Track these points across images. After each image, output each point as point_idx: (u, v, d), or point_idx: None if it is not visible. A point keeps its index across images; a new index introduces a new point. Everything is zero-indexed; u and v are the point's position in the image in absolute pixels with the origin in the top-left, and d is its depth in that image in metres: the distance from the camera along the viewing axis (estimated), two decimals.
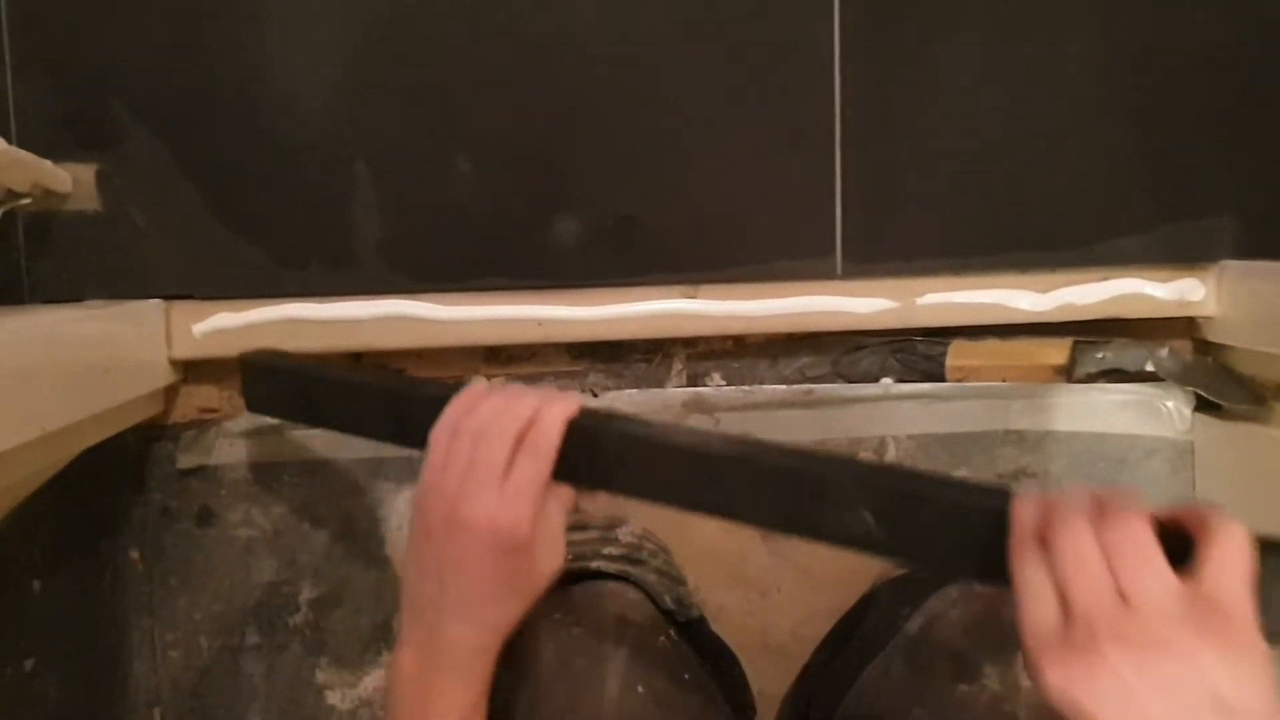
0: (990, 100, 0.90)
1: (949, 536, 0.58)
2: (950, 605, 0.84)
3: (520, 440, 0.60)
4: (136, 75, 0.86)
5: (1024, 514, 0.51)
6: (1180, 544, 0.48)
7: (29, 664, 0.79)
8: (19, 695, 0.78)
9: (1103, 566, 0.47)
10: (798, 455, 0.63)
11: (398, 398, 0.74)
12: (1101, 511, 0.49)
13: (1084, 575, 0.47)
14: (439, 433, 0.62)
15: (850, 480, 0.60)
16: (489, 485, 0.59)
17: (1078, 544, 0.48)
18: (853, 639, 0.91)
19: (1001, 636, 0.81)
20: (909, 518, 0.59)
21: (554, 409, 0.62)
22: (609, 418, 0.65)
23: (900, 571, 0.93)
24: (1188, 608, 0.46)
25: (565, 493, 0.65)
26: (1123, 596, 0.46)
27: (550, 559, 0.63)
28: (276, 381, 0.84)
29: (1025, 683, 0.78)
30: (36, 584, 0.80)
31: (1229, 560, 0.47)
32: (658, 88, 0.89)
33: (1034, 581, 0.49)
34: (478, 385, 0.66)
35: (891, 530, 0.59)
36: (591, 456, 0.63)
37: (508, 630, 0.62)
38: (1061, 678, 0.46)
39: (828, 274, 0.90)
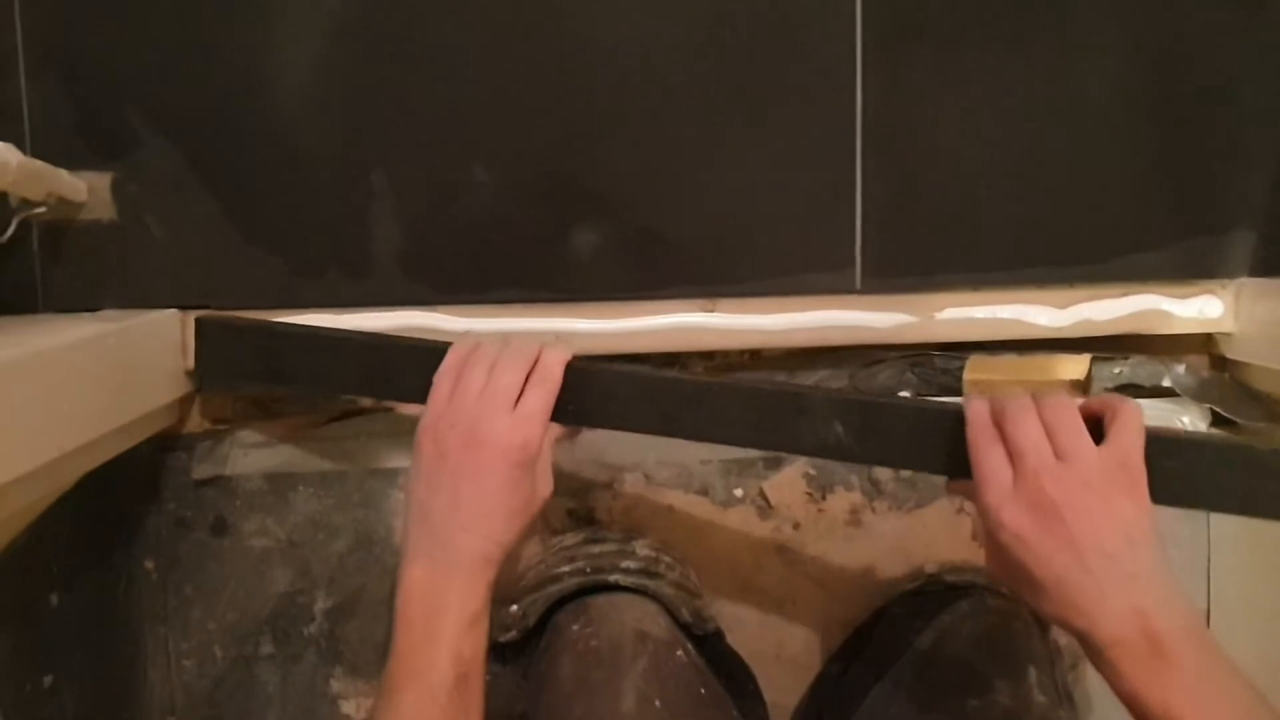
0: (1011, 115, 0.89)
1: (912, 438, 0.71)
2: (962, 620, 0.84)
3: (527, 375, 0.70)
4: (152, 83, 0.85)
5: (977, 408, 0.67)
6: (1096, 425, 0.64)
7: (48, 680, 0.79)
8: (39, 711, 0.78)
9: (1044, 436, 0.63)
10: (771, 381, 0.74)
11: (379, 350, 0.79)
12: (1039, 401, 0.65)
13: (1030, 443, 0.62)
14: (447, 368, 0.71)
15: (822, 397, 0.72)
16: (505, 409, 0.68)
17: (1024, 421, 0.63)
18: (865, 652, 0.92)
19: (1013, 651, 0.82)
20: (876, 425, 0.71)
21: (555, 351, 0.72)
22: (598, 362, 0.75)
23: (913, 585, 0.93)
24: (1105, 465, 0.62)
25: (555, 429, 0.73)
26: (1059, 457, 0.62)
27: (545, 484, 0.72)
28: (238, 342, 0.84)
29: (1037, 698, 0.78)
30: (54, 598, 0.80)
31: (1130, 431, 0.63)
32: (678, 100, 0.88)
33: (991, 453, 0.64)
34: (472, 336, 0.74)
35: (861, 438, 0.71)
36: (585, 395, 0.73)
37: (509, 547, 0.69)
38: (1015, 519, 0.61)
39: (847, 288, 0.90)
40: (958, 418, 0.67)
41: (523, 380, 0.70)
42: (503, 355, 0.71)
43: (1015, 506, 0.62)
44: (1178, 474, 0.66)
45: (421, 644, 0.64)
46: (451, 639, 0.64)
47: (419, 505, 0.69)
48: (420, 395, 0.73)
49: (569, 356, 0.73)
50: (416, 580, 0.66)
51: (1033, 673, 0.80)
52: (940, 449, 0.69)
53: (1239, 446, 0.72)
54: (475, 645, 0.66)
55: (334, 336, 0.82)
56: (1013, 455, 0.63)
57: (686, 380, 0.76)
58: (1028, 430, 0.63)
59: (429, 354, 0.74)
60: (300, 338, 0.82)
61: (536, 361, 0.71)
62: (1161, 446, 0.65)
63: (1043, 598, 0.61)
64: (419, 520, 0.68)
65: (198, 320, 0.84)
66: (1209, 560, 0.97)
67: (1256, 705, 0.57)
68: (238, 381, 0.90)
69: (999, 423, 0.65)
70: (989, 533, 0.64)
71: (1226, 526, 0.95)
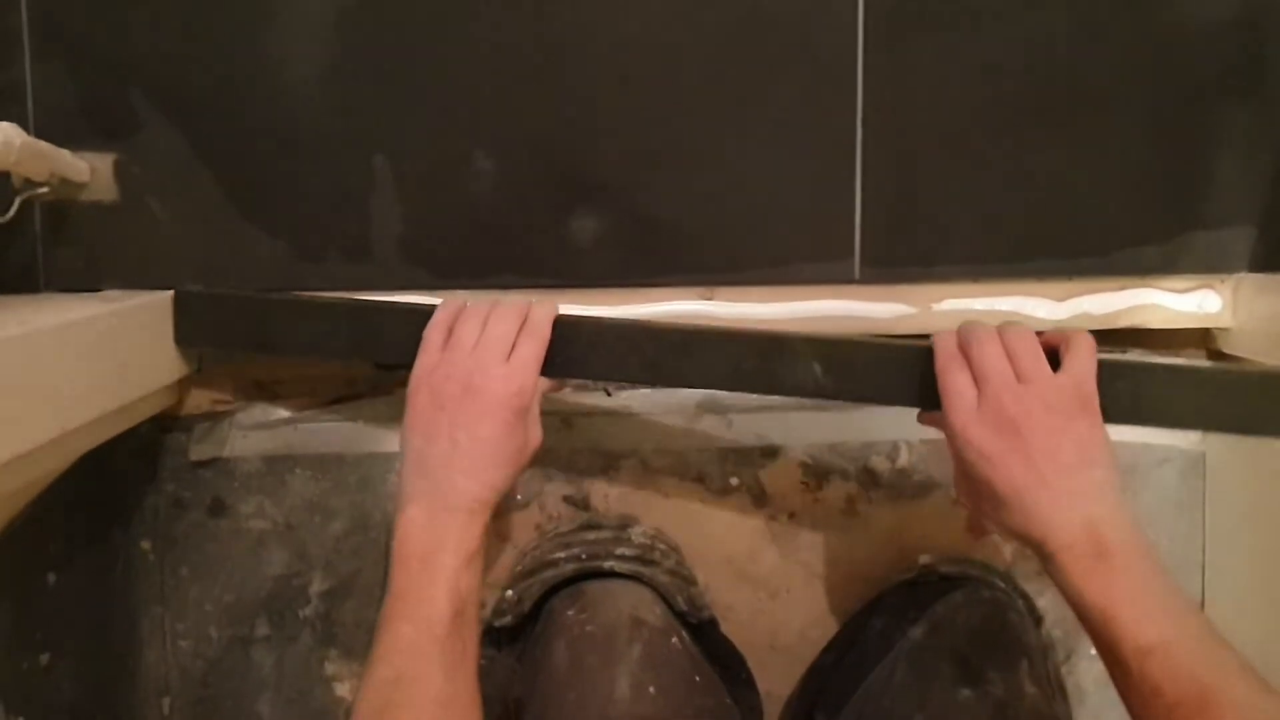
0: (1012, 107, 0.89)
1: (886, 374, 0.76)
2: (955, 611, 0.84)
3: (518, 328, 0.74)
4: (156, 65, 0.86)
5: (944, 339, 0.71)
6: (1053, 355, 0.69)
7: (45, 658, 0.79)
8: (36, 689, 0.78)
9: (1006, 361, 0.67)
10: (749, 328, 0.78)
11: (367, 312, 0.81)
12: (1001, 330, 0.70)
13: (993, 366, 0.67)
14: (438, 322, 0.75)
15: (800, 339, 0.76)
16: (500, 359, 0.72)
17: (988, 346, 0.68)
18: (858, 642, 0.92)
19: (1006, 642, 0.82)
20: (852, 363, 0.76)
21: (543, 306, 0.76)
22: (582, 317, 0.78)
23: (908, 576, 0.94)
24: (1063, 388, 0.66)
25: (544, 381, 0.76)
26: (1020, 379, 0.66)
27: (536, 433, 0.75)
28: (217, 307, 0.85)
29: (1029, 688, 0.78)
30: (51, 577, 0.81)
31: (1084, 358, 0.68)
32: (678, 88, 0.88)
33: (957, 378, 0.68)
34: (459, 296, 0.78)
35: (838, 376, 0.76)
36: (573, 347, 0.76)
37: (503, 492, 0.72)
38: (979, 436, 0.66)
39: (846, 278, 0.90)
40: (928, 353, 0.72)
41: (515, 332, 0.73)
42: (495, 310, 0.75)
43: (980, 424, 0.66)
44: (1127, 394, 0.72)
45: (420, 579, 0.66)
46: (450, 575, 0.66)
47: (415, 453, 0.71)
48: (409, 354, 0.76)
49: (556, 311, 0.77)
50: (415, 520, 0.68)
51: (1025, 664, 0.80)
52: (912, 382, 0.74)
53: (1183, 368, 0.77)
54: (471, 583, 0.68)
55: (321, 300, 0.83)
56: (977, 378, 0.68)
57: (670, 329, 0.79)
58: (991, 355, 0.68)
59: (417, 315, 0.77)
60: (287, 303, 0.84)
61: (526, 316, 0.75)
62: (1112, 369, 0.70)
63: (1004, 510, 0.66)
64: (415, 467, 0.71)
65: (176, 291, 0.85)
66: (1204, 554, 0.97)
67: (1188, 610, 0.61)
68: (218, 348, 0.90)
69: (964, 350, 0.70)
70: (956, 452, 0.69)
71: (1222, 521, 0.95)
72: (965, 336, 0.70)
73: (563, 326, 0.76)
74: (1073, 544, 0.63)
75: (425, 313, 0.76)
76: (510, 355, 0.72)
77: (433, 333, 0.74)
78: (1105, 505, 0.64)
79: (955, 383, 0.69)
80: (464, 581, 0.67)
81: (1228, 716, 0.55)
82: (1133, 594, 0.61)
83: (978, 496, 0.69)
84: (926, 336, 0.89)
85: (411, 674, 0.63)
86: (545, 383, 0.77)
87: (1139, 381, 0.73)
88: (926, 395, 0.73)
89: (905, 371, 0.75)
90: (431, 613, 0.65)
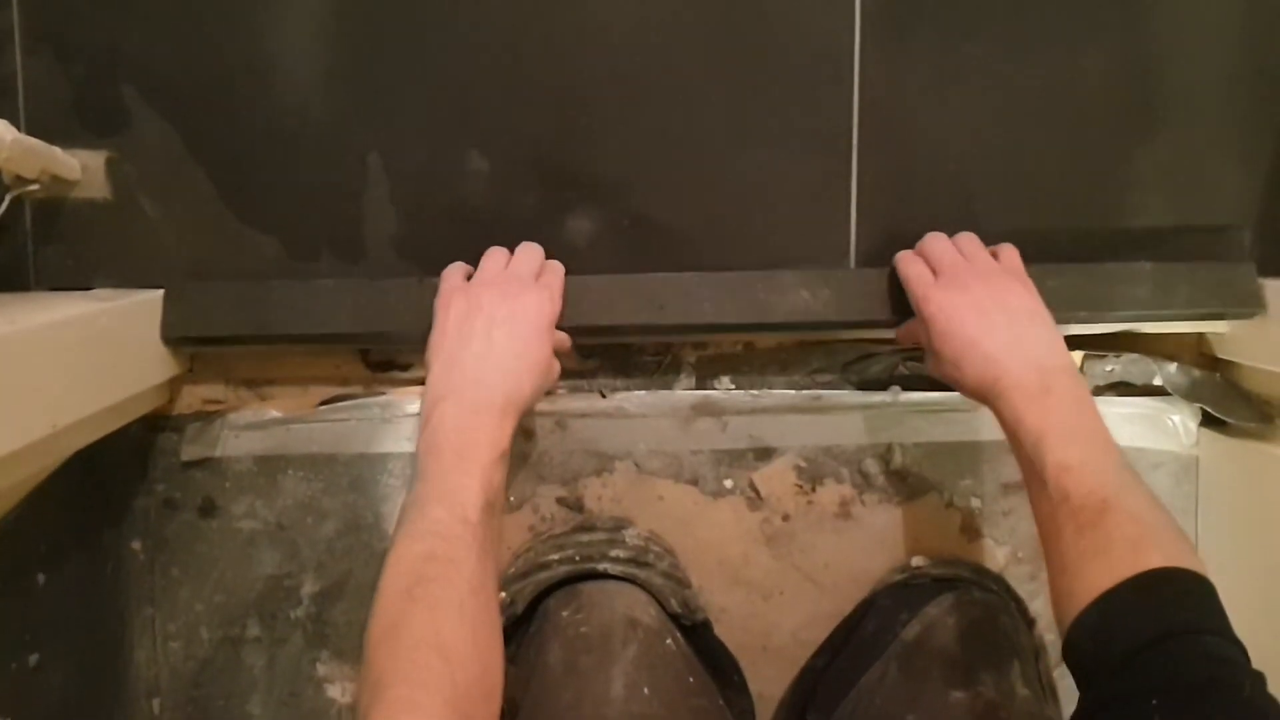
0: (1006, 106, 0.89)
1: (864, 294, 0.86)
2: (947, 612, 0.84)
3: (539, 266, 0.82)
4: (148, 61, 0.86)
5: (903, 252, 0.83)
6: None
7: (34, 659, 0.78)
8: (25, 690, 0.78)
9: (954, 247, 0.81)
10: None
11: (369, 292, 0.85)
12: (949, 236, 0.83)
13: (945, 251, 0.80)
14: (454, 267, 0.80)
15: (788, 272, 0.86)
16: (530, 279, 0.79)
17: (940, 241, 0.81)
18: (850, 643, 0.92)
19: (997, 644, 0.82)
20: (834, 288, 0.86)
21: (553, 260, 0.84)
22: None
23: (900, 578, 0.94)
24: (1002, 266, 0.79)
25: (560, 335, 0.82)
26: (967, 260, 0.79)
27: (557, 363, 0.80)
28: (209, 296, 0.85)
29: (1021, 690, 0.78)
30: (41, 577, 0.80)
31: (1014, 254, 0.81)
32: (674, 86, 0.88)
33: (916, 263, 0.81)
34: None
35: (824, 301, 0.86)
36: (585, 299, 0.84)
37: (530, 405, 0.75)
38: (939, 296, 0.76)
39: None
40: (887, 277, 0.85)
41: (538, 264, 0.81)
42: (519, 248, 0.83)
43: (939, 290, 0.77)
44: (1061, 289, 0.84)
45: (453, 467, 0.67)
46: (484, 466, 0.67)
47: (447, 354, 0.73)
48: (414, 332, 0.80)
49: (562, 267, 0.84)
50: (447, 414, 0.70)
51: (1017, 666, 0.80)
52: (887, 298, 0.86)
53: (1101, 269, 0.87)
54: (501, 479, 0.70)
55: (321, 284, 0.85)
56: (933, 264, 0.80)
57: (674, 276, 0.87)
58: (943, 246, 0.81)
59: (424, 288, 0.82)
60: (287, 286, 0.85)
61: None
62: (1042, 270, 0.81)
63: (965, 359, 0.74)
64: (447, 367, 0.73)
65: (167, 290, 0.85)
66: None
67: (1109, 445, 0.68)
68: (210, 340, 0.88)
69: (919, 251, 0.82)
70: (923, 319, 0.78)
71: (1215, 525, 0.96)
72: (920, 243, 0.83)
73: (574, 282, 0.83)
74: (1021, 381, 0.70)
75: (431, 286, 0.80)
76: (538, 279, 0.80)
77: (451, 272, 0.80)
78: (1053, 356, 0.73)
79: (914, 267, 0.80)
80: (495, 476, 0.68)
81: (1120, 517, 0.62)
82: (1065, 423, 0.68)
83: (941, 356, 0.76)
84: None
85: (445, 553, 0.63)
86: (562, 336, 0.83)
87: (1066, 278, 0.85)
88: (900, 307, 0.84)
89: (882, 289, 0.86)
90: (466, 499, 0.65)
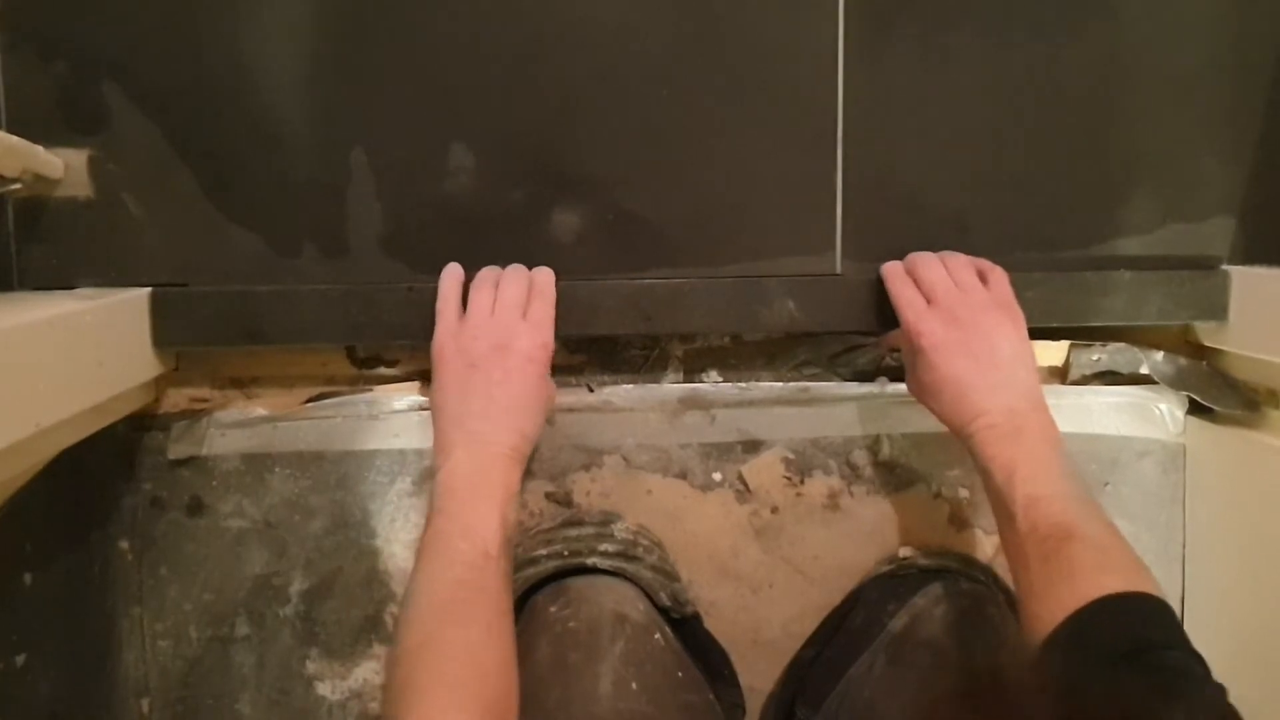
0: (991, 100, 0.89)
1: (849, 304, 0.88)
2: (935, 603, 0.84)
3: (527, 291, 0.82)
4: (131, 59, 0.85)
5: (892, 266, 0.85)
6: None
7: (21, 659, 0.78)
8: (12, 690, 0.77)
9: (947, 275, 0.81)
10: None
11: (361, 295, 0.86)
12: (939, 255, 0.83)
13: (939, 279, 0.81)
14: (446, 295, 0.81)
15: (775, 281, 0.88)
16: (518, 320, 0.79)
17: (933, 266, 0.82)
18: (839, 635, 0.92)
19: (984, 634, 0.82)
20: (820, 298, 0.88)
21: (543, 271, 0.85)
22: (581, 281, 0.87)
23: (887, 568, 0.94)
24: (994, 300, 0.80)
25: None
26: (959, 289, 0.80)
27: (552, 386, 0.85)
28: (201, 304, 0.86)
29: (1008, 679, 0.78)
30: (28, 577, 0.80)
31: (1004, 280, 0.82)
32: (659, 82, 0.88)
33: (908, 288, 0.82)
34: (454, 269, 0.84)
35: (809, 311, 0.88)
36: (574, 306, 0.86)
37: (535, 442, 0.79)
38: (930, 329, 0.78)
39: (827, 271, 0.90)
40: (871, 286, 0.87)
41: (526, 295, 0.81)
42: (504, 276, 0.82)
43: (931, 321, 0.79)
44: (1038, 300, 0.87)
45: (471, 505, 0.71)
46: (499, 503, 0.71)
47: (451, 412, 0.76)
48: (407, 332, 0.85)
49: (553, 274, 0.85)
50: (459, 463, 0.73)
51: (1004, 655, 0.80)
52: (871, 307, 0.87)
53: (1079, 279, 0.89)
54: (514, 516, 0.73)
55: (309, 291, 0.87)
56: (925, 290, 0.81)
57: (660, 284, 0.88)
58: (936, 272, 0.81)
59: (414, 293, 0.85)
60: (274, 295, 0.86)
61: (531, 280, 0.83)
62: (1024, 280, 0.84)
63: (945, 394, 0.77)
64: (453, 424, 0.76)
65: (152, 292, 0.85)
66: (1184, 546, 0.98)
67: (1076, 481, 0.72)
68: (202, 345, 0.89)
69: (911, 271, 0.83)
70: (911, 348, 0.80)
71: (1202, 513, 0.96)
72: (910, 263, 0.84)
73: (564, 289, 0.84)
74: (995, 423, 0.74)
75: (422, 289, 0.83)
76: (526, 314, 0.80)
77: (445, 305, 0.81)
78: (1029, 398, 0.76)
79: (905, 292, 0.82)
80: (509, 514, 0.72)
81: (1083, 545, 0.66)
82: (1034, 461, 0.72)
83: (924, 386, 0.80)
84: None
85: (473, 581, 0.67)
86: (552, 344, 0.83)
87: (1044, 289, 0.88)
88: (883, 319, 0.86)
89: (867, 299, 0.87)
90: (486, 533, 0.69)
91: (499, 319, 0.79)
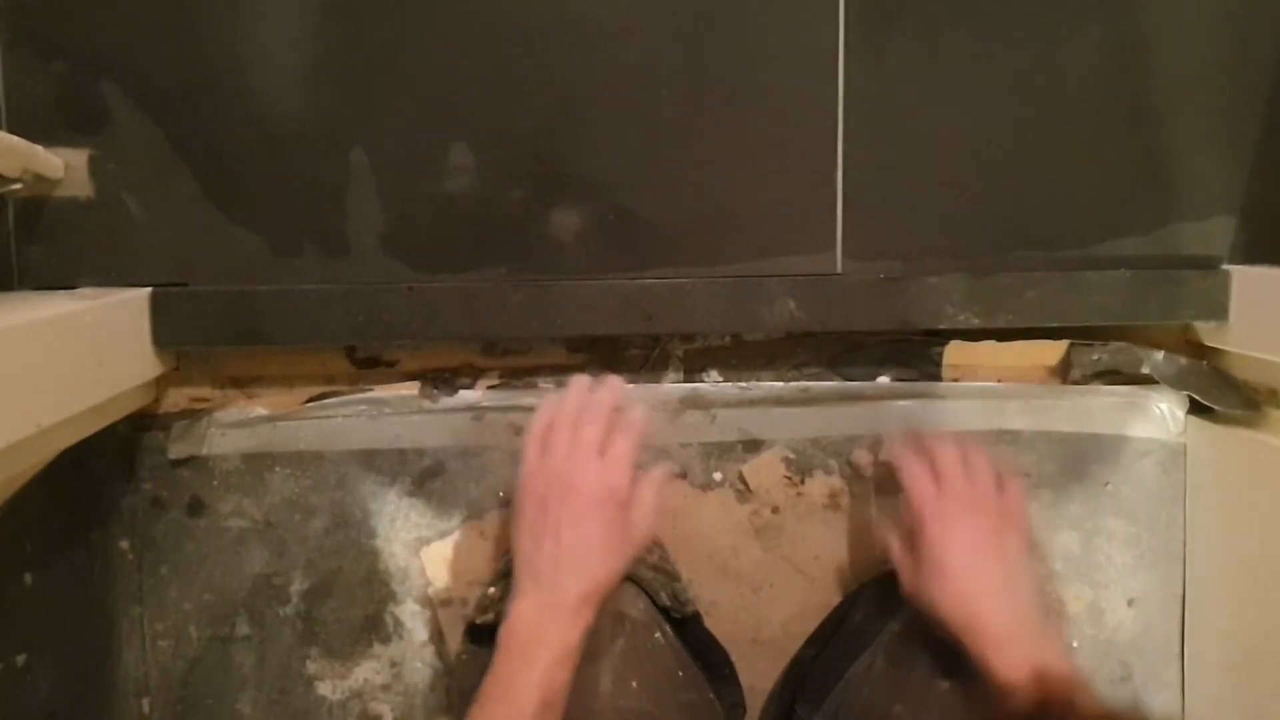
0: (992, 99, 0.89)
1: (849, 303, 0.88)
2: None
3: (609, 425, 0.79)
4: (131, 58, 0.85)
5: (900, 446, 0.85)
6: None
7: (21, 659, 0.78)
8: (13, 690, 0.77)
9: (962, 466, 0.82)
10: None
11: (355, 297, 0.86)
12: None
13: (954, 469, 0.81)
14: (534, 434, 0.79)
15: (774, 281, 0.88)
16: (593, 458, 0.76)
17: (948, 452, 0.82)
18: (839, 634, 0.92)
19: None
20: (820, 298, 0.88)
21: (635, 407, 0.81)
22: (579, 281, 0.88)
23: (888, 568, 0.93)
24: (1002, 504, 0.80)
25: (661, 471, 0.82)
26: (971, 482, 0.81)
27: (643, 522, 0.78)
28: (201, 304, 0.86)
29: None
30: (28, 577, 0.80)
31: (1020, 497, 0.83)
32: (660, 81, 0.88)
33: (918, 469, 0.82)
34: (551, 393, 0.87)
35: (809, 310, 0.88)
36: (572, 305, 0.87)
37: (610, 584, 0.75)
38: (937, 524, 0.78)
39: (828, 270, 0.90)
40: (881, 283, 0.88)
41: (605, 430, 0.78)
42: (585, 412, 0.79)
43: (941, 513, 0.79)
44: (1035, 300, 0.88)
45: (519, 669, 0.69)
46: (545, 668, 0.69)
47: (526, 555, 0.75)
48: (407, 332, 0.87)
49: (645, 410, 0.82)
50: (523, 614, 0.72)
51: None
52: (872, 307, 0.88)
53: (1079, 278, 0.89)
54: (564, 677, 0.70)
55: (310, 291, 0.87)
56: (937, 469, 0.82)
57: (661, 284, 0.88)
58: (952, 458, 0.82)
59: (414, 293, 0.85)
60: (276, 295, 0.86)
61: (619, 411, 0.81)
62: (1024, 280, 0.88)
63: (946, 591, 0.76)
64: (526, 567, 0.74)
65: (152, 292, 0.85)
66: (1184, 546, 0.97)
67: (1078, 684, 0.71)
68: (202, 344, 0.89)
69: (923, 448, 0.84)
70: (919, 534, 0.79)
71: (1202, 513, 0.96)
72: (927, 442, 0.84)
73: (565, 289, 0.87)
74: (990, 630, 0.73)
75: (422, 289, 0.84)
76: (606, 452, 0.77)
77: (531, 443, 0.79)
78: (1025, 608, 0.75)
79: (916, 473, 0.82)
80: (558, 676, 0.70)
81: None
82: (1032, 672, 0.70)
83: (920, 577, 0.79)
84: (910, 333, 0.90)
85: None
86: (660, 474, 0.82)
87: (1043, 289, 0.88)
88: (885, 317, 0.88)
89: (866, 299, 0.88)
90: (523, 699, 0.68)
91: (572, 457, 0.77)
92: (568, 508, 0.74)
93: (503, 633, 0.72)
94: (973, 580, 0.75)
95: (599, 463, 0.76)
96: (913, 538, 0.80)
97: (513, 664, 0.70)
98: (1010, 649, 0.72)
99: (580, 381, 0.82)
